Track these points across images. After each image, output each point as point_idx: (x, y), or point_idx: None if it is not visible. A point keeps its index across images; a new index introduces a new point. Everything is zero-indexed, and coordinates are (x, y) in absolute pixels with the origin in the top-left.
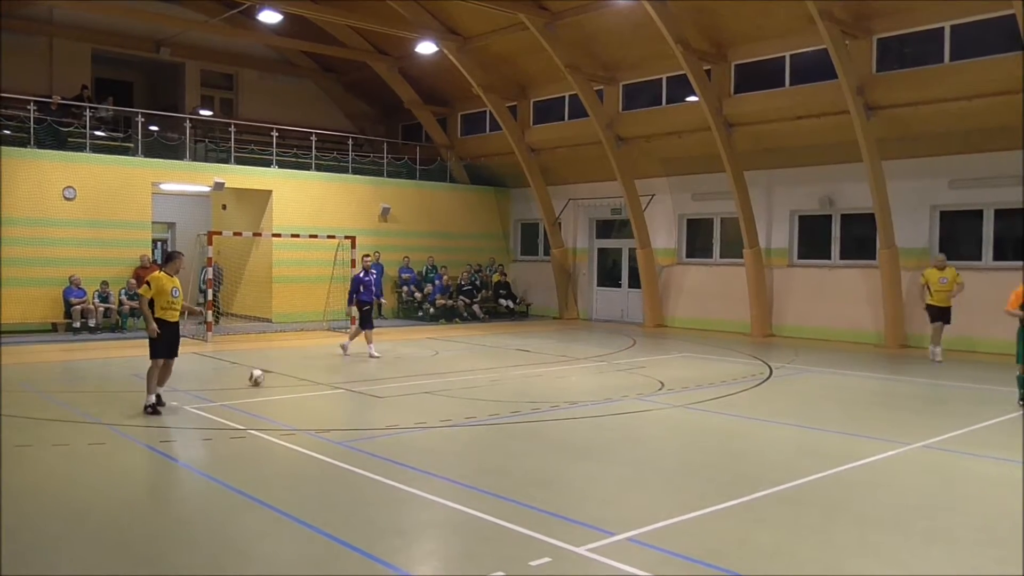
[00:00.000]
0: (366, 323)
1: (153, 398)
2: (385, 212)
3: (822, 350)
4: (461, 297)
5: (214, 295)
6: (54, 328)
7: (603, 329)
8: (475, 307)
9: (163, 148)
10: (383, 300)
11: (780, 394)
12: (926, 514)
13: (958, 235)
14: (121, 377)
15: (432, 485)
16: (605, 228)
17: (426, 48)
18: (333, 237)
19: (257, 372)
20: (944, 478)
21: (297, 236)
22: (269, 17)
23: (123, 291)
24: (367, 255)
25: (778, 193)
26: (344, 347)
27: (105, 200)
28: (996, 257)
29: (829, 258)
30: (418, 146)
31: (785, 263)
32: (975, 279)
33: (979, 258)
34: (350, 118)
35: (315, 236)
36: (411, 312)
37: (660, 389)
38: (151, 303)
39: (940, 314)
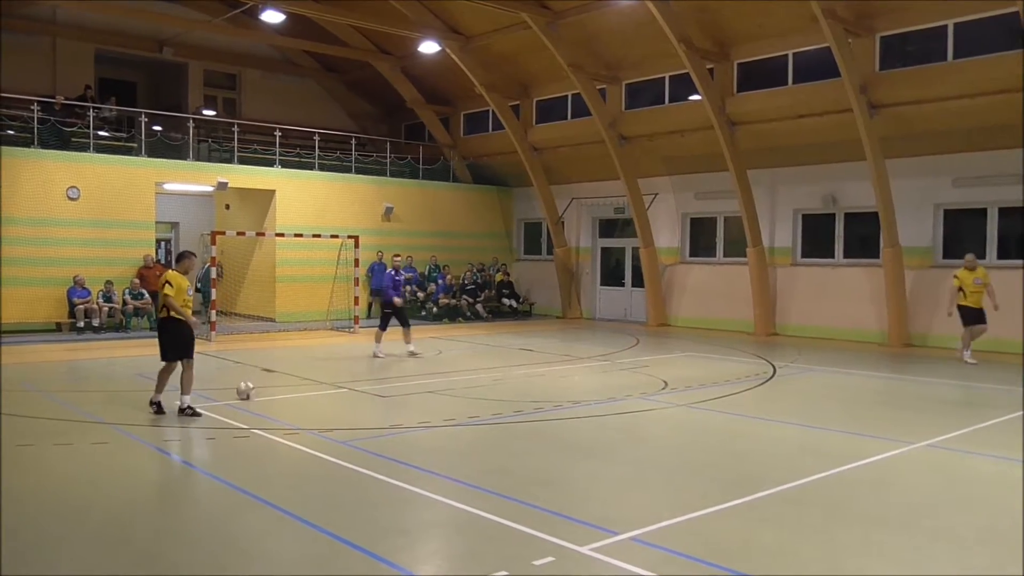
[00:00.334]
0: (384, 323)
1: (159, 395)
2: (388, 211)
3: (825, 349)
4: (464, 296)
5: (197, 293)
6: (58, 328)
7: (606, 328)
8: (478, 306)
9: (166, 148)
10: (397, 299)
11: (783, 393)
12: (930, 513)
13: (962, 234)
14: (125, 377)
15: (435, 484)
16: (608, 227)
17: (429, 47)
18: (336, 237)
19: (243, 385)
20: (948, 477)
21: (300, 236)
22: (272, 17)
23: (127, 291)
24: (397, 255)
25: (781, 192)
26: (413, 352)
27: (109, 200)
28: (1000, 255)
29: (832, 257)
30: (421, 145)
31: (788, 262)
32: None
33: (983, 256)
34: (353, 118)
35: (318, 236)
36: (414, 312)
37: (663, 388)
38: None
39: (977, 316)
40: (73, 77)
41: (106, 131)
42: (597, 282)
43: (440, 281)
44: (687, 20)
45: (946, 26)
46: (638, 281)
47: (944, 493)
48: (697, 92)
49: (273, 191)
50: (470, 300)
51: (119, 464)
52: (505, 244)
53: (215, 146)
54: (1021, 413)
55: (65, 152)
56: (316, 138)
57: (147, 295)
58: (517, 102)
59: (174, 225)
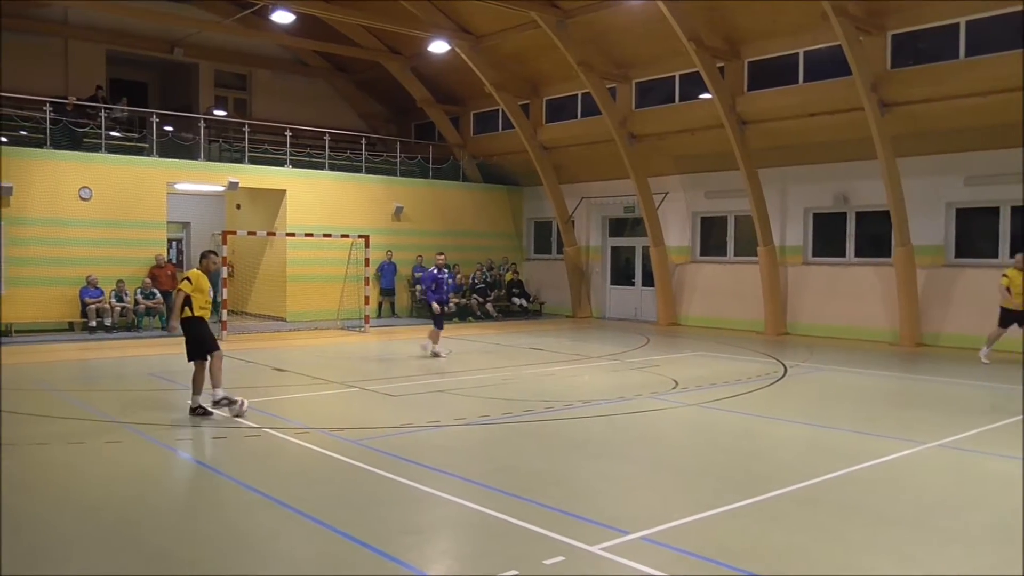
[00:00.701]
0: (437, 322)
1: (199, 399)
2: (398, 211)
3: (837, 348)
4: (474, 296)
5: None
6: (71, 327)
7: (616, 327)
8: (488, 306)
9: (178, 148)
10: (451, 306)
11: (794, 393)
12: (942, 513)
13: (974, 232)
14: (137, 376)
15: (445, 483)
16: (618, 226)
17: (438, 47)
18: (347, 236)
19: (239, 405)
20: (960, 477)
21: (311, 235)
22: (282, 17)
23: (139, 290)
24: (440, 253)
25: (792, 191)
26: (438, 353)
27: (120, 200)
28: (1013, 254)
29: (844, 256)
30: (431, 145)
31: (799, 261)
32: (991, 277)
33: (995, 255)
34: (363, 117)
35: (328, 235)
36: (424, 311)
37: (674, 388)
38: (188, 300)
39: (1018, 318)
40: (85, 78)
41: (118, 131)
42: (607, 281)
43: (450, 280)
44: (697, 18)
45: (958, 24)
46: (648, 280)
47: (956, 493)
48: (707, 91)
49: (284, 191)
50: (480, 299)
51: (131, 463)
52: (515, 243)
53: (226, 146)
54: (1022, 416)
55: (77, 152)
56: (326, 138)
57: (159, 295)
58: (527, 101)
59: (185, 225)
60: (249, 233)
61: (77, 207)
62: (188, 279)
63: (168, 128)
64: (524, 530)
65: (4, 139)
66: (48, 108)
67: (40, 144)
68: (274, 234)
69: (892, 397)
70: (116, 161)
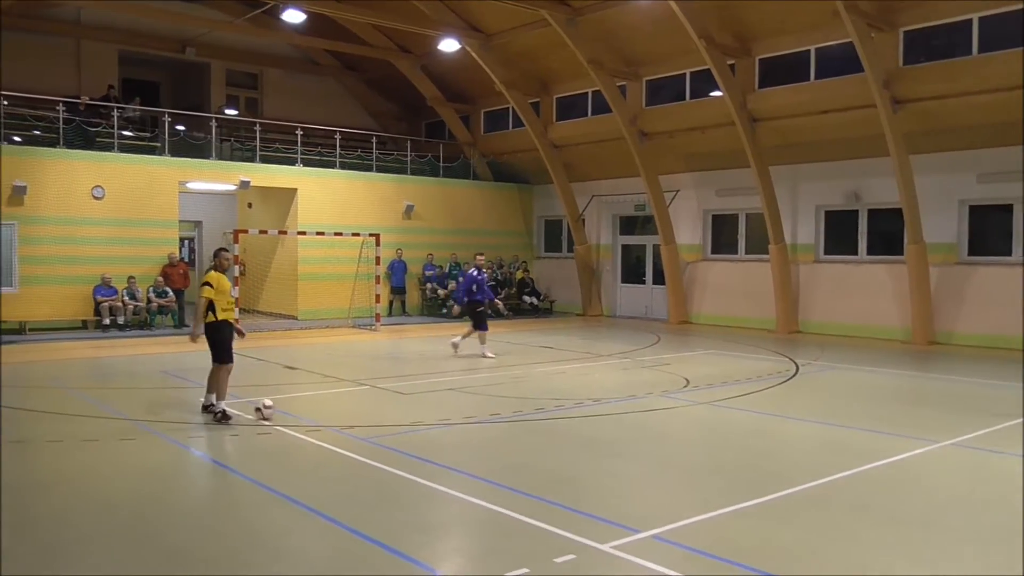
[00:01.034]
0: (481, 323)
1: (222, 405)
2: (409, 210)
3: (849, 347)
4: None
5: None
6: (84, 326)
7: (627, 326)
8: (499, 304)
9: (189, 147)
10: (498, 301)
11: (806, 391)
12: (955, 513)
13: (987, 230)
14: (150, 374)
15: (456, 481)
16: (629, 224)
17: (449, 46)
18: (358, 235)
19: (264, 406)
20: (974, 476)
21: (322, 234)
22: (293, 16)
23: (151, 289)
24: (480, 253)
25: (804, 188)
26: (455, 344)
27: (133, 199)
28: None
29: (856, 254)
30: (441, 143)
31: (811, 259)
32: (1004, 275)
33: (1009, 253)
34: (373, 116)
35: (340, 234)
36: (434, 309)
37: (685, 386)
38: (211, 304)
39: None
40: (97, 78)
41: (130, 131)
42: (618, 279)
43: (461, 279)
44: (708, 16)
45: (971, 20)
46: (659, 278)
47: (969, 492)
48: (718, 88)
49: (295, 189)
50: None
51: (145, 461)
52: (525, 241)
53: (237, 145)
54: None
55: (90, 152)
56: (337, 137)
57: (171, 293)
58: (537, 99)
59: (197, 224)
60: (260, 232)
61: (90, 206)
62: (209, 284)
63: (180, 127)
64: (535, 528)
65: (18, 139)
66: (61, 108)
67: (53, 144)
68: (285, 233)
69: (904, 395)
70: (128, 160)
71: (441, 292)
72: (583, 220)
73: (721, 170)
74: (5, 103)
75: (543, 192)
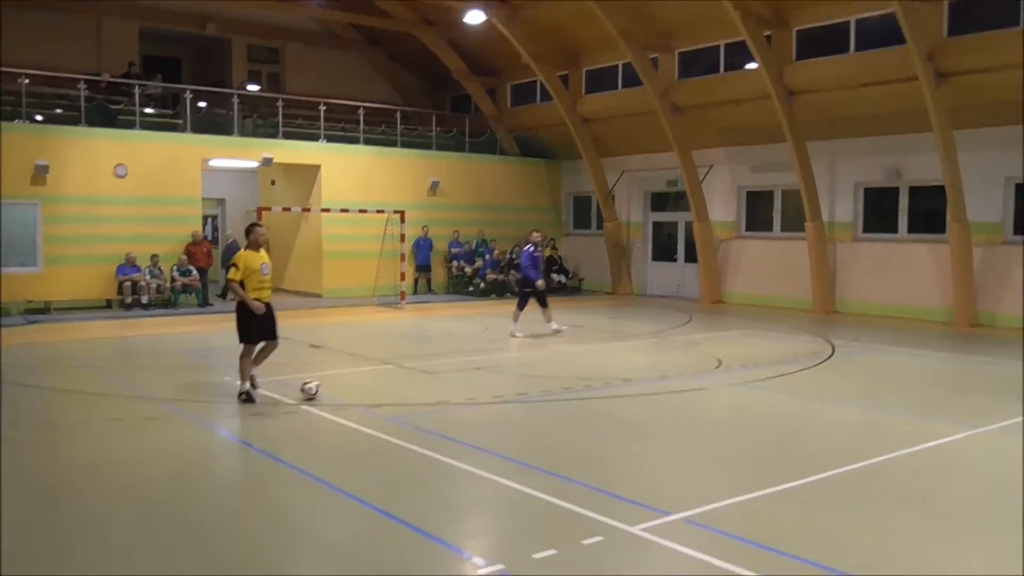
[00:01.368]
0: (523, 303)
1: (247, 385)
2: (434, 186)
3: (888, 328)
4: (512, 272)
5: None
6: (108, 305)
7: (658, 305)
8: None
9: (212, 124)
10: (540, 281)
11: (843, 373)
12: (996, 500)
13: None
14: (174, 353)
15: (483, 461)
16: (660, 201)
17: (474, 17)
18: (382, 211)
19: (310, 387)
20: (1016, 463)
21: (346, 211)
22: None
23: (175, 268)
24: (536, 230)
25: (842, 164)
26: (555, 330)
27: (156, 177)
28: None
29: (896, 232)
30: (467, 118)
31: (849, 237)
32: None
33: None
34: (398, 91)
35: (364, 211)
36: (461, 287)
37: (717, 367)
38: (243, 285)
39: None
40: (118, 55)
41: (152, 108)
42: (648, 257)
43: (487, 256)
44: None
45: None
46: (691, 256)
47: (1012, 480)
48: (753, 60)
49: (318, 166)
50: (517, 276)
51: (168, 439)
52: (554, 218)
53: (260, 121)
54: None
55: (112, 130)
56: (361, 112)
57: (195, 272)
58: (566, 72)
59: (220, 201)
60: (284, 209)
61: (113, 184)
62: (235, 265)
63: (202, 104)
64: (563, 509)
65: (39, 117)
66: (82, 86)
67: (75, 122)
68: (309, 210)
69: (945, 379)
70: (151, 138)
71: (468, 270)
72: (613, 196)
73: (756, 145)
74: (26, 81)
75: (572, 168)
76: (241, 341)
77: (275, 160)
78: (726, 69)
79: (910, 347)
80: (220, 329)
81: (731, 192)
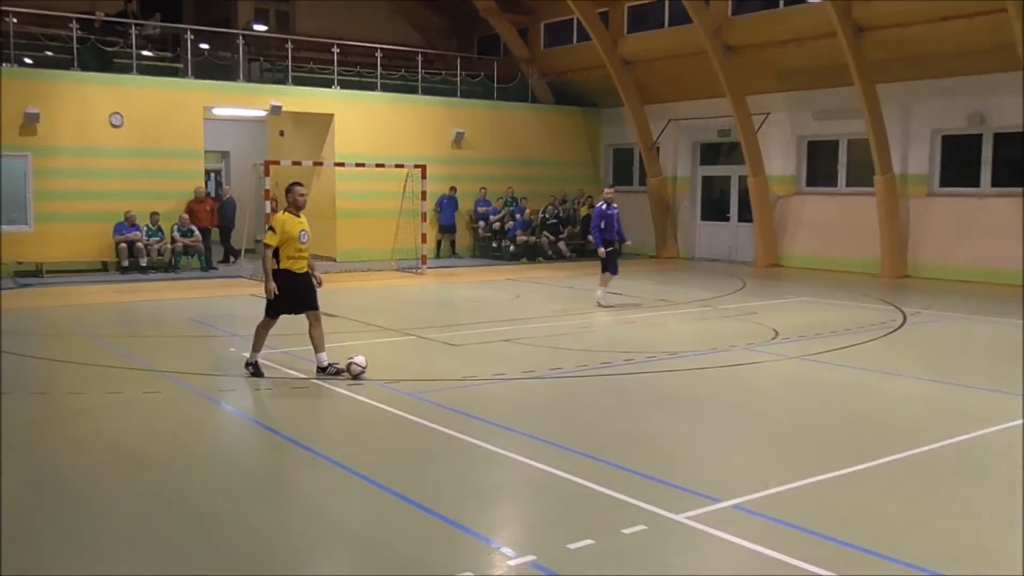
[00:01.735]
0: (610, 266)
1: (257, 356)
2: (459, 137)
3: (966, 293)
4: (545, 233)
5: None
6: (104, 267)
7: (707, 269)
8: (560, 244)
9: (215, 68)
10: (628, 241)
11: (914, 344)
12: None
13: None
14: (175, 321)
15: (513, 442)
16: (711, 153)
17: None
18: (401, 166)
19: (358, 364)
20: None
21: (362, 165)
22: None
23: (175, 227)
24: (611, 186)
25: (917, 110)
26: (601, 300)
27: (154, 127)
28: None
29: (978, 186)
30: (495, 61)
31: (924, 192)
32: None
33: None
34: (419, 31)
35: (382, 165)
36: (487, 250)
37: (774, 338)
38: (276, 252)
39: None
40: None
41: (150, 50)
42: (697, 216)
43: (518, 216)
44: None
45: None
46: (745, 215)
47: None
48: None
49: (331, 115)
50: (551, 237)
51: (172, 415)
52: (591, 173)
53: (267, 66)
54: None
55: (107, 75)
56: (378, 55)
57: (197, 232)
58: (605, 8)
59: (224, 154)
60: (294, 163)
61: (108, 135)
62: (272, 228)
63: (204, 46)
64: (600, 495)
65: (29, 60)
66: (74, 26)
67: (67, 65)
68: (321, 164)
69: None
70: (149, 83)
71: (496, 226)
72: (658, 148)
73: (819, 89)
74: (14, 20)
75: (612, 116)
76: (268, 314)
77: (284, 108)
78: (786, 3)
79: (991, 315)
80: (224, 295)
81: (790, 143)
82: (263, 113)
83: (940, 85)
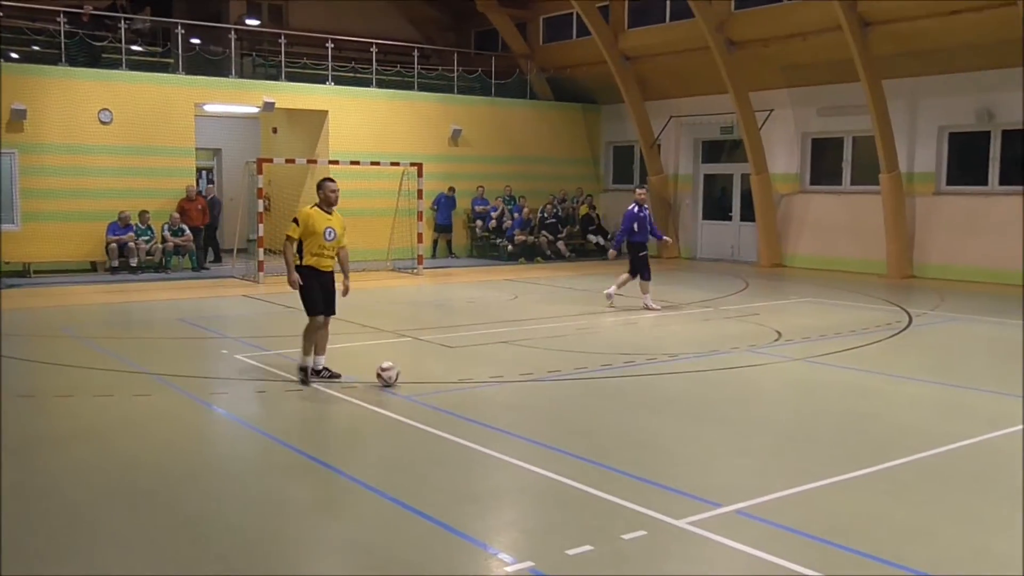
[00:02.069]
0: (643, 270)
1: (311, 360)
2: (456, 135)
3: (974, 294)
4: (544, 233)
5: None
6: (93, 267)
7: (709, 269)
8: (560, 244)
9: (206, 64)
10: (667, 239)
11: (921, 346)
12: None
13: None
14: (166, 322)
15: (510, 446)
16: (713, 150)
17: None
18: (397, 164)
19: (390, 372)
20: None
21: (357, 163)
22: None
23: (166, 226)
24: (642, 186)
25: (924, 105)
26: (609, 295)
27: (144, 124)
28: None
29: (986, 184)
30: (493, 56)
31: (931, 190)
32: None
33: None
34: (415, 25)
35: (377, 163)
36: (486, 250)
37: (777, 340)
38: (299, 246)
39: None
40: None
41: (140, 45)
42: (699, 215)
43: (516, 215)
44: None
45: None
46: (748, 214)
47: None
48: None
49: (325, 112)
50: (550, 237)
51: (164, 419)
52: (591, 171)
53: (260, 61)
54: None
55: (95, 70)
56: (373, 50)
57: (188, 231)
58: (606, 2)
59: (216, 152)
60: (287, 161)
61: (97, 132)
62: (296, 220)
63: (195, 41)
64: (600, 500)
65: (15, 55)
66: (62, 20)
67: (55, 61)
68: (315, 162)
69: None
70: (138, 79)
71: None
72: (659, 146)
73: (824, 85)
74: (0, 14)
75: (612, 113)
76: (308, 314)
77: (277, 105)
78: None
79: (999, 316)
80: (216, 296)
81: (794, 140)
82: (256, 110)
83: (948, 81)
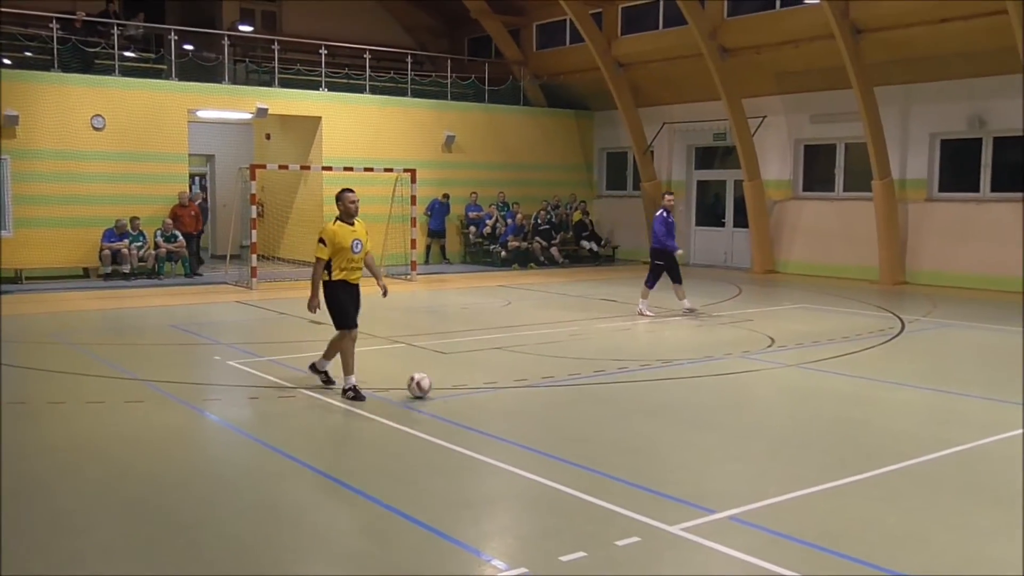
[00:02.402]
0: (652, 280)
1: (353, 379)
2: (449, 141)
3: (966, 300)
4: (537, 239)
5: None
6: (85, 274)
7: (702, 276)
8: (553, 250)
9: (199, 70)
10: (679, 250)
11: (913, 352)
12: None
13: None
14: (158, 329)
15: (503, 452)
16: (706, 157)
17: None
18: (391, 170)
19: (422, 383)
20: None
21: (350, 169)
22: None
23: (158, 232)
24: (670, 192)
25: (916, 112)
26: (690, 308)
27: (137, 130)
28: None
29: (977, 191)
30: (487, 63)
31: (923, 197)
32: None
33: None
34: (409, 32)
35: (370, 169)
36: (480, 256)
37: (770, 346)
38: (328, 265)
39: None
40: None
41: (132, 51)
42: (692, 222)
43: (509, 221)
44: None
45: None
46: (741, 220)
47: None
48: None
49: (319, 118)
50: (543, 243)
51: (156, 424)
52: (584, 178)
53: (253, 67)
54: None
55: (88, 76)
56: (367, 57)
57: (181, 237)
58: (599, 9)
59: (209, 158)
60: (280, 167)
61: (89, 138)
62: (323, 241)
63: (188, 47)
64: (593, 506)
65: (7, 61)
66: (55, 25)
67: (47, 66)
68: (308, 168)
69: None
70: (131, 85)
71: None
72: (652, 152)
73: (816, 92)
74: None
75: (605, 120)
76: (338, 327)
77: (270, 111)
78: (782, 4)
79: (991, 322)
80: (209, 302)
81: (787, 146)
82: (249, 116)
83: (939, 88)
